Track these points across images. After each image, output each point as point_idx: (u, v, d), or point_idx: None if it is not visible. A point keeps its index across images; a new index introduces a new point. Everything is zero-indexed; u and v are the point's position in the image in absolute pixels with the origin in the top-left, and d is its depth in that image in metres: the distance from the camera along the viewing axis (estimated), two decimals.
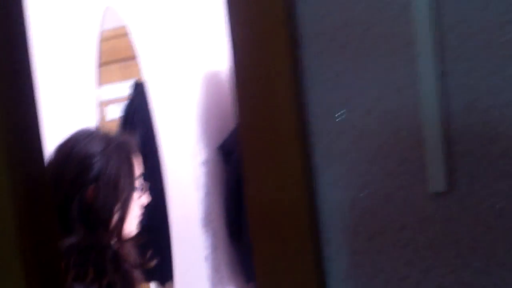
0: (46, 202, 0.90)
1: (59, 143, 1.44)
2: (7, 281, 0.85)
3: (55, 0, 2.47)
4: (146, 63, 2.27)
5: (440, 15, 0.80)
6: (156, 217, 2.28)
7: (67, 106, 2.32)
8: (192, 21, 2.32)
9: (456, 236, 0.82)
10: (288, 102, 0.87)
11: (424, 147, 0.82)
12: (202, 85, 2.24)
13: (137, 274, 1.42)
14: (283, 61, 0.86)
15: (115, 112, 2.45)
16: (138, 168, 1.45)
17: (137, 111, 2.26)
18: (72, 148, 1.40)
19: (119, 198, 1.38)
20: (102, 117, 2.47)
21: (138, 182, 1.44)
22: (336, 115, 0.86)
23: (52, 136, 1.51)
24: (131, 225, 1.43)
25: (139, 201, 1.44)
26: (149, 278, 2.45)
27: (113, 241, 1.39)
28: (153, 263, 1.53)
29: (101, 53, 2.45)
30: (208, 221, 2.26)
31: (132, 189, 1.41)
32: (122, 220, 1.39)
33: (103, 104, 2.45)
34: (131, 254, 1.47)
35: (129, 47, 2.36)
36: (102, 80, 2.43)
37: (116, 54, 2.40)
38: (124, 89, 2.37)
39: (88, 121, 2.33)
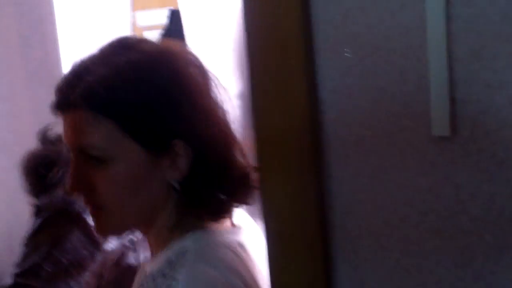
0: None
1: None
2: None
3: None
4: None
5: None
6: None
7: (102, 29, 2.34)
8: None
9: (457, 181, 0.82)
10: (296, 37, 0.86)
11: (430, 90, 0.80)
12: (238, 16, 2.21)
13: None
14: None
15: (153, 38, 2.46)
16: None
17: (172, 40, 2.27)
18: None
19: None
20: None
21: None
22: (345, 51, 0.85)
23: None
24: None
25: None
26: None
27: None
28: None
29: None
30: None
31: None
32: None
33: (140, 30, 2.47)
34: None
35: None
36: (138, 5, 2.44)
37: None
38: (160, 16, 2.38)
39: None
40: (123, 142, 0.96)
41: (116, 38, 1.06)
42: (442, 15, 0.77)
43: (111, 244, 1.27)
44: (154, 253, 1.03)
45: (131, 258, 1.30)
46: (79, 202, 1.23)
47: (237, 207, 1.06)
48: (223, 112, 1.07)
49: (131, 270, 1.29)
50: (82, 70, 0.98)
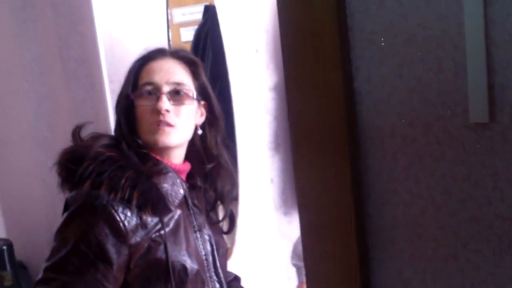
0: None
1: None
2: None
3: None
4: None
5: None
6: None
7: (140, 28, 2.37)
8: None
9: (495, 168, 0.81)
10: (331, 27, 0.87)
11: (467, 77, 0.80)
12: (273, 9, 2.22)
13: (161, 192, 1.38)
14: None
15: (190, 34, 2.49)
16: (148, 75, 1.45)
17: (208, 35, 2.29)
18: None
19: (121, 107, 1.44)
20: (177, 39, 2.53)
21: (147, 87, 1.42)
22: (381, 40, 0.85)
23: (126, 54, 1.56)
24: (148, 135, 1.40)
25: (145, 106, 1.41)
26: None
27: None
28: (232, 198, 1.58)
29: None
30: (275, 145, 2.31)
31: (127, 95, 1.43)
32: (128, 128, 1.42)
33: (176, 27, 2.50)
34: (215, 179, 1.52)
35: None
36: (174, 2, 2.47)
37: None
38: (196, 12, 2.40)
39: (161, 42, 2.38)
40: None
41: None
42: (480, 0, 0.76)
43: (137, 237, 1.28)
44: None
45: (159, 252, 1.32)
46: (104, 196, 1.26)
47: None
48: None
49: (159, 264, 1.32)
50: None
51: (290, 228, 2.37)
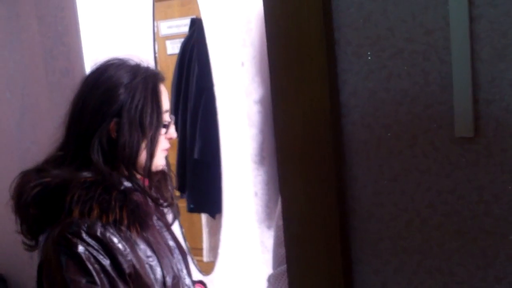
0: None
1: (90, 70, 1.40)
2: None
3: None
4: (204, 0, 2.29)
5: None
6: (208, 152, 2.34)
7: (125, 40, 2.37)
8: None
9: (480, 182, 0.82)
10: (318, 40, 0.87)
11: (453, 91, 0.80)
12: (260, 22, 2.23)
13: (149, 210, 1.37)
14: (313, 0, 0.86)
15: (175, 47, 2.49)
16: (165, 102, 1.39)
17: (194, 48, 2.29)
18: (99, 77, 1.36)
19: (146, 135, 1.33)
20: (163, 51, 2.53)
21: (166, 117, 1.39)
22: (368, 54, 0.86)
23: None
24: (158, 160, 1.39)
25: (166, 135, 1.40)
26: (199, 210, 2.54)
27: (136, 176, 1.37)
28: (176, 200, 1.53)
29: None
30: (260, 158, 2.31)
31: (159, 125, 1.36)
32: (151, 157, 1.36)
33: (162, 39, 2.50)
34: (160, 187, 1.47)
35: None
36: (160, 15, 2.47)
37: None
38: (182, 25, 2.41)
39: (147, 54, 2.37)
40: None
41: None
42: (466, 16, 0.77)
43: (130, 256, 1.29)
44: None
45: (151, 270, 1.33)
46: (98, 221, 1.25)
47: None
48: None
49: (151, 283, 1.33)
50: None
51: None
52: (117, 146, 1.33)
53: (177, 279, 1.39)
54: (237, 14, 2.22)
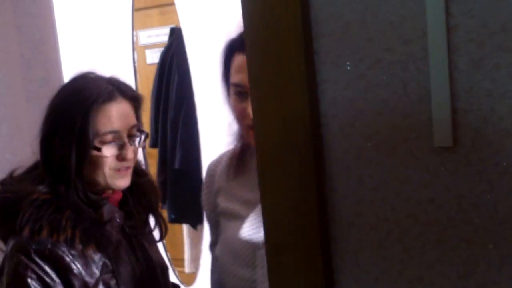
0: None
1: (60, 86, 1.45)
2: None
3: None
4: (184, 9, 2.28)
5: None
6: (189, 162, 2.33)
7: (104, 49, 2.36)
8: None
9: (459, 191, 0.82)
10: (297, 50, 0.87)
11: (431, 101, 0.81)
12: (238, 31, 2.23)
13: (110, 229, 1.37)
14: (292, 10, 0.86)
15: (155, 57, 2.48)
16: (109, 122, 1.36)
17: (174, 57, 2.29)
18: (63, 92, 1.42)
19: (71, 154, 1.32)
20: (142, 61, 2.52)
21: (107, 138, 1.36)
22: (347, 64, 0.86)
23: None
24: (111, 180, 1.38)
25: (118, 154, 1.38)
26: (180, 220, 2.52)
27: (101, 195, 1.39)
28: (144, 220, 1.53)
29: None
30: None
31: (87, 142, 1.33)
32: (77, 172, 1.34)
33: (141, 48, 2.50)
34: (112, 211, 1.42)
35: None
36: (139, 24, 2.47)
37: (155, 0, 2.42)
38: (162, 34, 2.40)
39: (126, 64, 2.36)
40: None
41: None
42: (443, 27, 0.77)
43: (88, 276, 1.29)
44: None
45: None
46: (48, 240, 1.25)
47: None
48: None
49: None
50: None
51: None
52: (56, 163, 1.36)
53: None
54: (216, 23, 2.22)
